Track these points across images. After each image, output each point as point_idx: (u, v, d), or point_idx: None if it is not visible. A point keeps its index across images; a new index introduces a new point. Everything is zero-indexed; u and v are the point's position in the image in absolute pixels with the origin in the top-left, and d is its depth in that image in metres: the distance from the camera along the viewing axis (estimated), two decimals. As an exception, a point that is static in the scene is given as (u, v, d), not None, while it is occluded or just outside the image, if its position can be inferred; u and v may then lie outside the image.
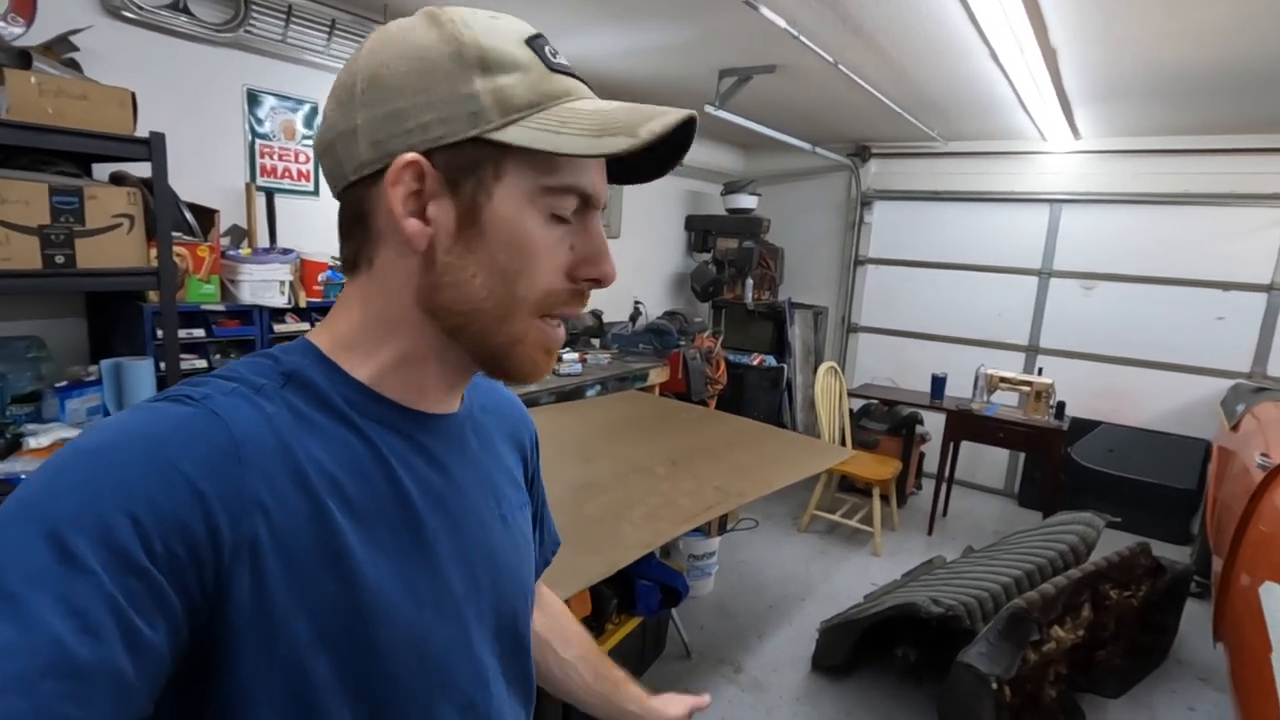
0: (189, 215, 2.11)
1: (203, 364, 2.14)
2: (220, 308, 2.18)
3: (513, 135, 0.44)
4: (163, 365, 1.94)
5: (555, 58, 0.47)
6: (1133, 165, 4.15)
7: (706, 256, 5.07)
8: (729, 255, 5.00)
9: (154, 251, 1.84)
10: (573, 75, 0.48)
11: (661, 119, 0.44)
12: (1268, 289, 3.85)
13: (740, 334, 5.21)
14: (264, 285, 2.22)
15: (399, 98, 0.44)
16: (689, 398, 4.06)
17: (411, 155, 0.44)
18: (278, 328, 2.31)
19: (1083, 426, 4.31)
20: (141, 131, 1.80)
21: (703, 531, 3.02)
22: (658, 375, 3.86)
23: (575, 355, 3.38)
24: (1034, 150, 4.40)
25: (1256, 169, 3.82)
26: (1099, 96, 3.24)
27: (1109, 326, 4.32)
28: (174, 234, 2.04)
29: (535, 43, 0.46)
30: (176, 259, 2.04)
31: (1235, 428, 3.05)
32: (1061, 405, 3.68)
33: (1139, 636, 2.67)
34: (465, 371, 0.53)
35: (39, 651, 0.31)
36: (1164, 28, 2.32)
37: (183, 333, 2.08)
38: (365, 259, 0.49)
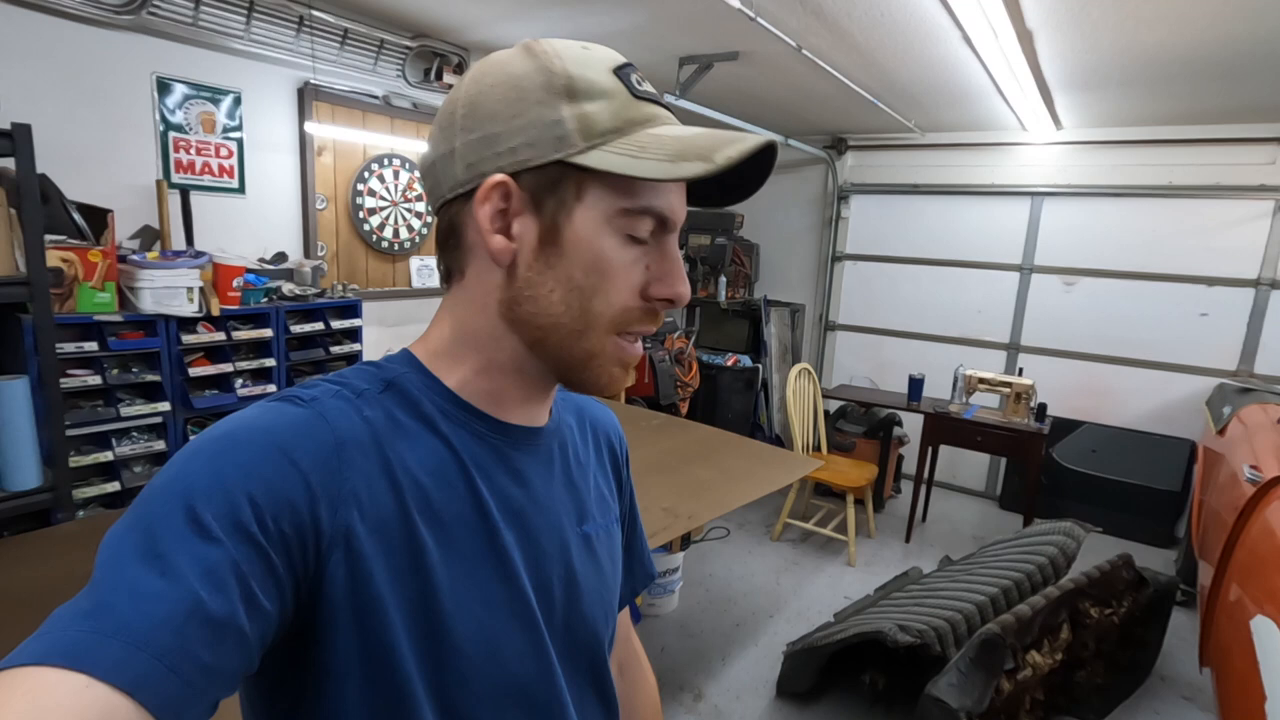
0: (77, 216, 1.91)
1: (97, 380, 1.94)
2: (117, 318, 1.98)
3: (594, 159, 0.46)
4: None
5: (641, 85, 0.49)
6: (1114, 156, 4.00)
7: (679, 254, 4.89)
8: (701, 252, 4.82)
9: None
10: (658, 103, 0.50)
11: (738, 145, 0.45)
12: (1254, 284, 3.72)
13: (714, 333, 5.04)
14: (168, 292, 2.02)
15: (493, 123, 0.48)
16: (657, 402, 3.90)
17: (499, 176, 0.47)
18: (187, 339, 2.11)
19: (1065, 426, 4.17)
20: (3, 122, 1.60)
21: (664, 547, 2.85)
22: (622, 379, 3.68)
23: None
24: (1014, 141, 4.24)
25: (1240, 160, 3.69)
26: (1079, 84, 3.09)
27: (1091, 323, 4.18)
28: (58, 237, 1.84)
29: (622, 71, 0.49)
30: (63, 264, 1.85)
31: (1222, 431, 2.92)
32: (1043, 407, 3.54)
33: (1121, 653, 2.53)
34: (544, 384, 0.55)
35: (184, 600, 0.36)
36: (1142, 10, 2.16)
37: (72, 346, 1.89)
38: (458, 271, 0.53)
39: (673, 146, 0.46)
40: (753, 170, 0.50)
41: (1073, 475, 4.00)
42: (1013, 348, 4.46)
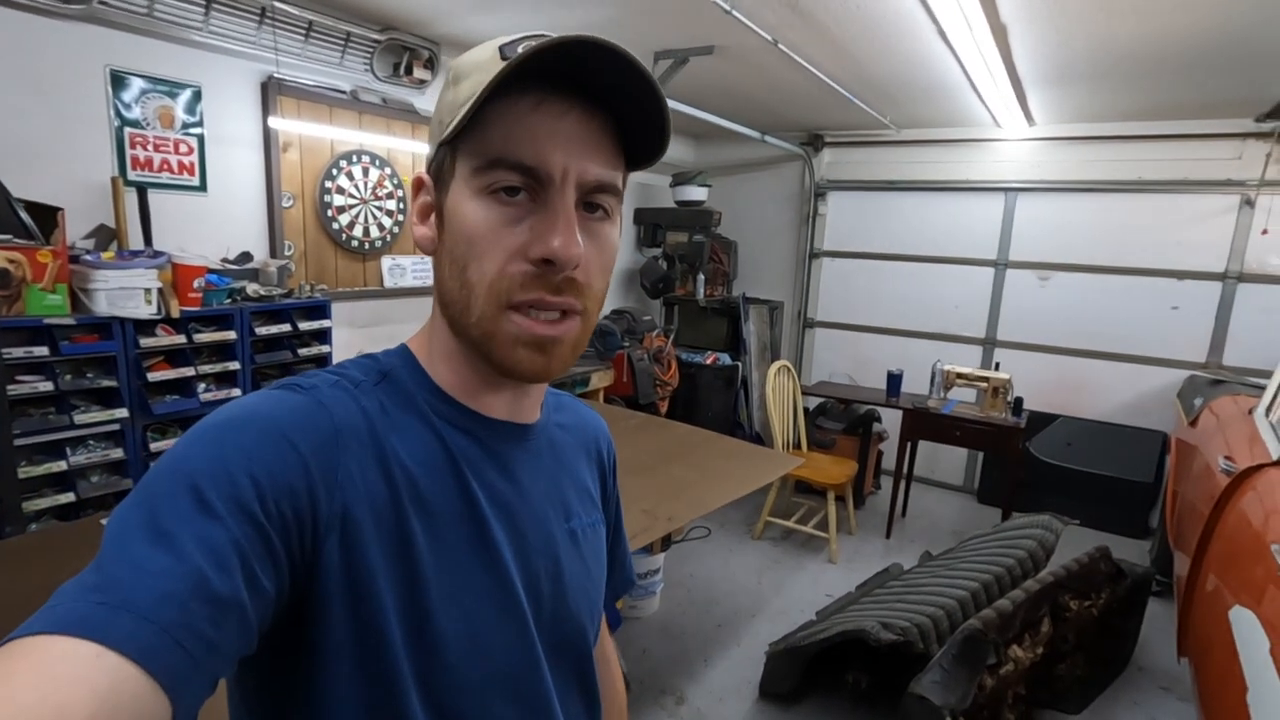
0: (23, 215, 1.82)
1: (48, 386, 1.85)
2: (70, 321, 1.89)
3: (451, 130, 0.47)
4: None
5: (517, 50, 0.46)
6: (1086, 152, 4.04)
7: (656, 251, 4.85)
8: (679, 250, 4.79)
9: (-33, 258, 1.56)
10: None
11: (549, 39, 0.44)
12: (1221, 278, 3.78)
13: (693, 331, 5.01)
14: (124, 294, 1.94)
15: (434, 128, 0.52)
16: (636, 401, 3.86)
17: (419, 173, 0.53)
18: (145, 342, 2.03)
19: (1041, 420, 4.21)
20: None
21: (645, 549, 2.81)
22: (601, 379, 3.64)
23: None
24: (988, 138, 4.27)
25: (1207, 155, 3.74)
26: (1051, 79, 3.10)
27: (1065, 317, 4.22)
28: (4, 237, 1.76)
29: (510, 45, 0.47)
30: (9, 265, 1.76)
31: (1194, 422, 2.95)
32: (1019, 401, 3.56)
33: (1099, 645, 2.55)
34: (497, 378, 0.54)
35: (189, 577, 0.36)
36: (1111, 3, 2.17)
37: (21, 351, 1.80)
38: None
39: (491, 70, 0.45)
40: (638, 112, 0.50)
41: (1049, 468, 4.04)
42: (989, 343, 4.49)
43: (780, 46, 2.66)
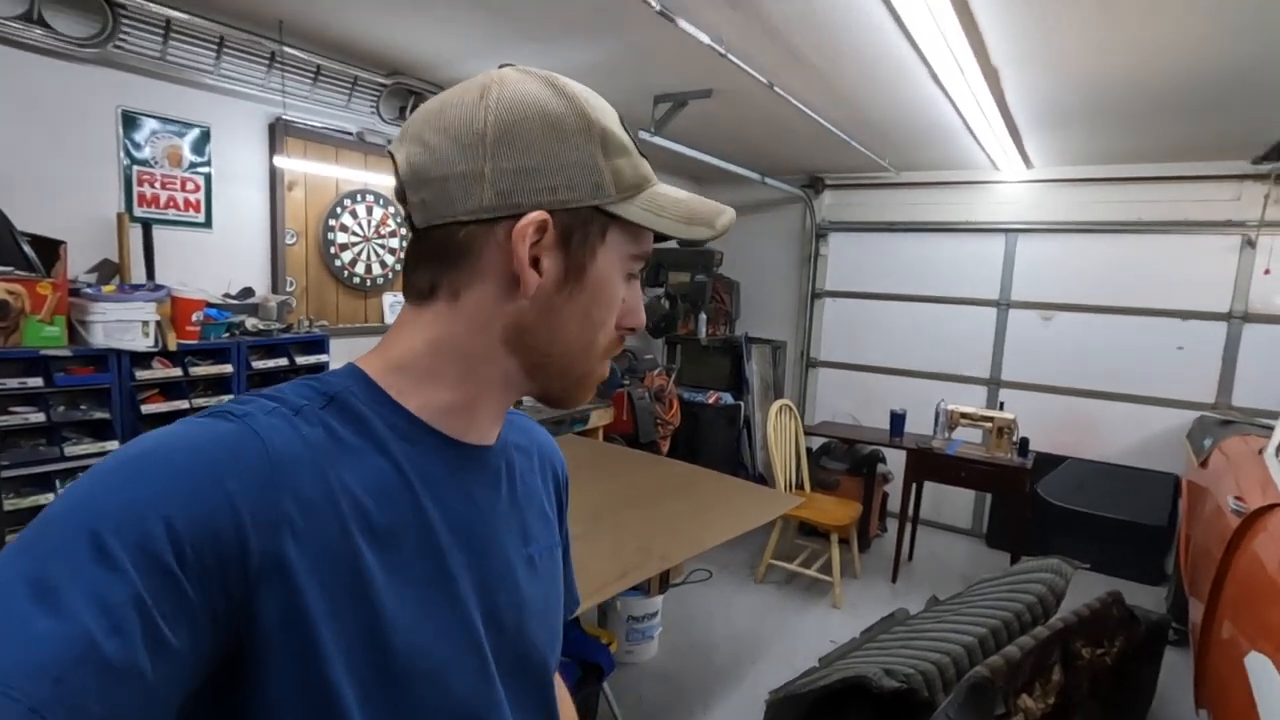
0: (26, 247, 1.85)
1: (40, 417, 1.84)
2: (66, 352, 1.90)
3: (626, 210, 0.52)
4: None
5: (638, 138, 0.55)
6: (1085, 194, 4.07)
7: (659, 291, 4.88)
8: (682, 289, 4.82)
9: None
10: (645, 156, 0.55)
11: (727, 215, 0.56)
12: (1226, 317, 3.76)
13: (696, 370, 5.00)
14: (121, 326, 1.95)
15: (529, 156, 0.49)
16: (637, 440, 3.82)
17: (542, 214, 0.49)
18: (140, 374, 2.03)
19: (1049, 461, 4.13)
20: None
21: (642, 590, 2.74)
22: (600, 417, 3.61)
23: (531, 401, 3.11)
24: (987, 180, 4.32)
25: (1206, 196, 3.76)
26: (1045, 122, 3.15)
27: (1070, 357, 4.19)
28: (5, 269, 1.78)
29: (626, 124, 0.54)
30: (8, 296, 1.78)
31: (1204, 463, 2.89)
32: (1025, 442, 3.50)
33: (1115, 695, 2.44)
34: (514, 400, 0.56)
35: (72, 643, 0.32)
36: (1104, 40, 2.21)
37: (15, 382, 1.80)
38: (449, 290, 0.51)
39: (682, 210, 0.54)
40: None
41: (1059, 511, 3.94)
42: (993, 383, 4.45)
43: (776, 89, 2.71)
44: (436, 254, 0.51)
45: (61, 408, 1.91)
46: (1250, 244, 3.66)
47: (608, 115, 0.52)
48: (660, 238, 0.56)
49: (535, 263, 0.50)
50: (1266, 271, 3.62)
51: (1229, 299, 3.74)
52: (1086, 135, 3.35)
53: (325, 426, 0.47)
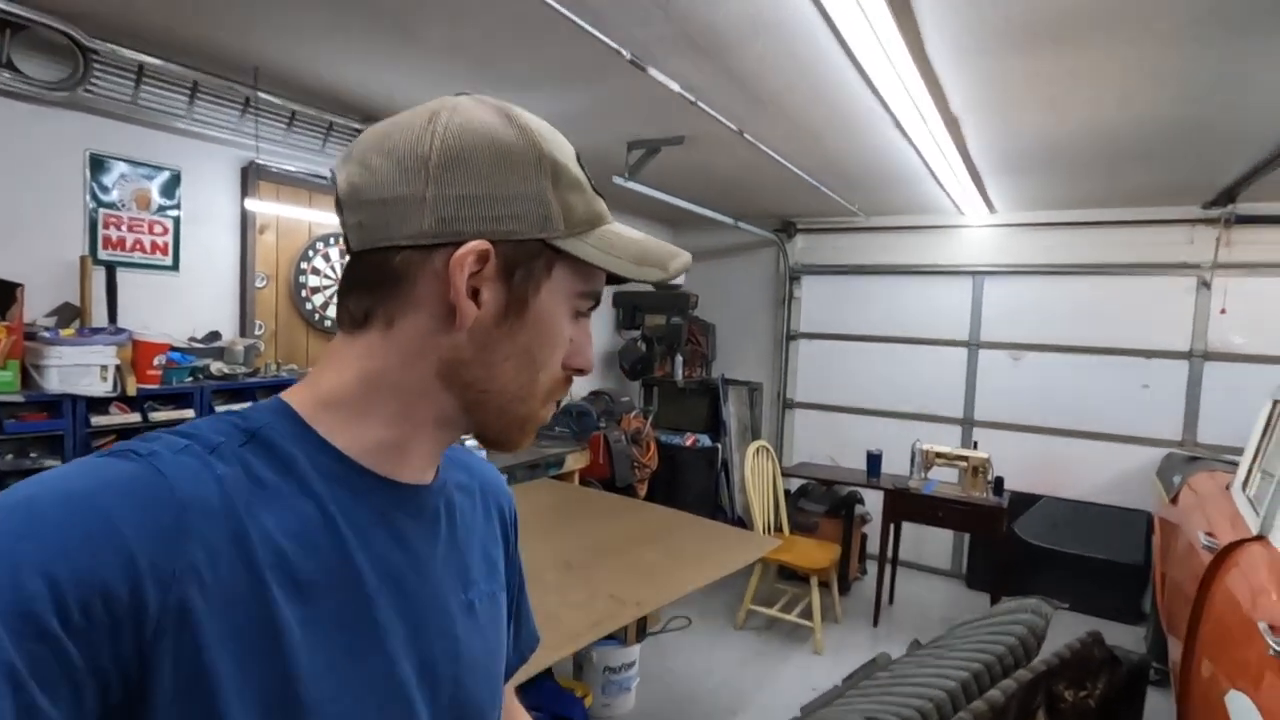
0: (-20, 290, 1.80)
1: (-13, 467, 1.77)
2: (18, 398, 1.83)
3: (574, 246, 0.50)
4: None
5: (592, 179, 0.53)
6: (1047, 237, 4.20)
7: (635, 334, 4.89)
8: (658, 332, 4.83)
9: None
10: (601, 195, 0.54)
11: (682, 259, 0.55)
12: (1187, 356, 3.86)
13: (673, 413, 4.98)
14: (78, 370, 1.89)
15: (475, 184, 0.47)
16: (613, 483, 3.77)
17: (483, 243, 0.47)
18: (96, 420, 1.97)
19: (1024, 501, 4.15)
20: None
21: (618, 639, 2.67)
22: (576, 461, 3.56)
23: (475, 443, 3.05)
24: (953, 224, 4.44)
25: (1162, 239, 3.90)
26: (1006, 168, 3.26)
27: (1040, 397, 4.25)
28: (-44, 312, 1.72)
29: (581, 162, 0.52)
30: (-41, 341, 1.72)
31: (1174, 500, 2.92)
32: (1000, 481, 3.52)
33: (1101, 740, 2.40)
34: (449, 443, 0.54)
35: None
36: (1057, 95, 2.30)
37: (-39, 429, 1.73)
38: (382, 319, 0.48)
39: (634, 250, 0.53)
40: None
41: (1036, 551, 3.94)
42: (966, 422, 4.49)
43: (747, 136, 2.78)
44: (371, 279, 0.48)
45: (10, 456, 1.83)
46: (1205, 285, 3.78)
47: (562, 149, 0.51)
48: (615, 279, 0.54)
49: (475, 294, 0.47)
50: (1223, 311, 3.73)
51: (1189, 338, 3.85)
52: (1045, 181, 3.47)
53: (244, 465, 0.43)
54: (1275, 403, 2.34)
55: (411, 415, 0.50)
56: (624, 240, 0.53)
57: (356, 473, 0.48)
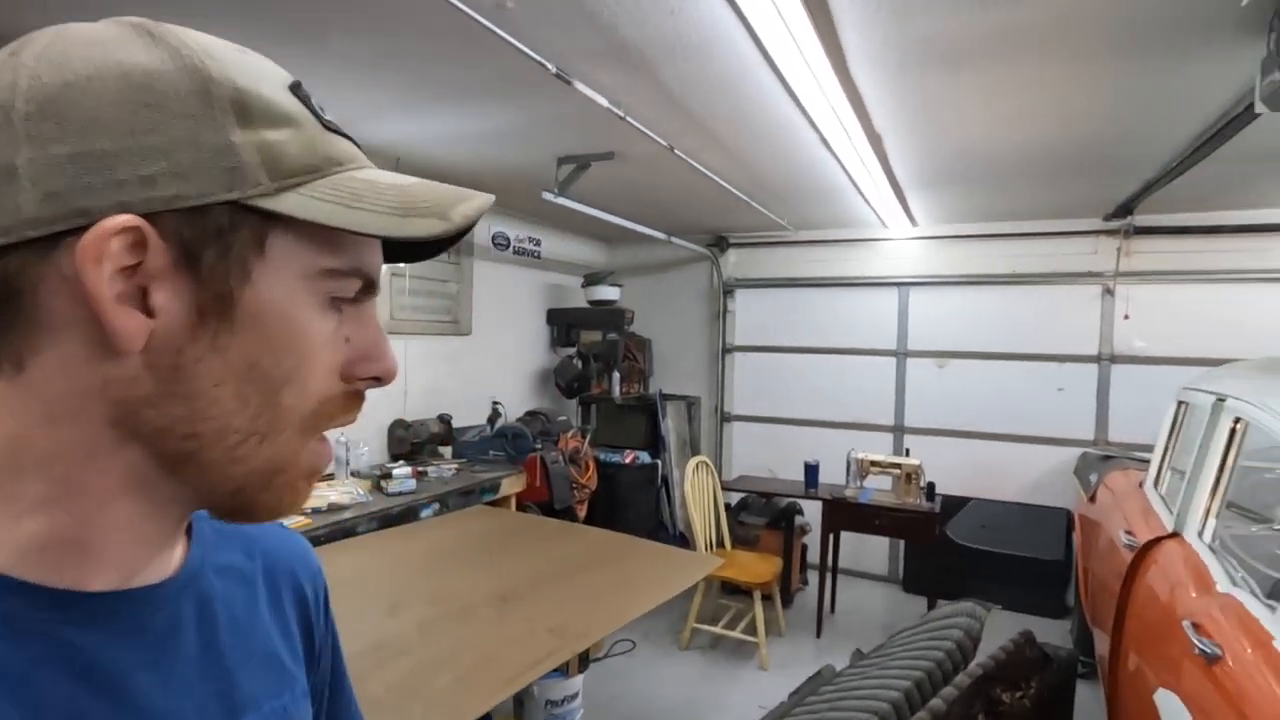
0: None
1: None
2: None
3: (292, 205, 0.34)
4: None
5: (324, 113, 0.38)
6: (965, 249, 4.38)
7: (570, 351, 4.81)
8: (594, 349, 4.77)
9: None
10: (348, 137, 0.40)
11: (472, 202, 0.39)
12: (1096, 360, 4.08)
13: (612, 430, 4.91)
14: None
15: (101, 134, 0.31)
16: (552, 507, 3.67)
17: (127, 218, 0.31)
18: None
19: (955, 504, 4.28)
20: None
21: (560, 671, 2.56)
22: (512, 485, 3.45)
23: (408, 470, 2.91)
24: (877, 237, 4.58)
25: (1069, 250, 4.13)
26: (925, 183, 3.37)
27: (966, 403, 4.41)
28: None
29: (300, 92, 0.37)
30: None
31: (1092, 498, 3.05)
32: (931, 486, 3.61)
33: (1038, 738, 2.45)
34: (173, 516, 0.38)
35: None
36: (973, 115, 2.40)
37: None
38: (7, 360, 0.33)
39: (395, 197, 0.36)
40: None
41: (967, 552, 4.07)
42: (898, 430, 4.61)
43: (677, 152, 2.78)
44: None
45: None
46: (1109, 292, 4.02)
47: (251, 73, 0.35)
48: (390, 249, 0.41)
49: (143, 298, 0.33)
50: (1126, 317, 3.97)
51: (1097, 343, 4.07)
52: (962, 195, 3.62)
53: None
54: (1180, 404, 2.48)
55: (81, 491, 0.34)
56: (378, 186, 0.37)
57: (25, 594, 0.33)
